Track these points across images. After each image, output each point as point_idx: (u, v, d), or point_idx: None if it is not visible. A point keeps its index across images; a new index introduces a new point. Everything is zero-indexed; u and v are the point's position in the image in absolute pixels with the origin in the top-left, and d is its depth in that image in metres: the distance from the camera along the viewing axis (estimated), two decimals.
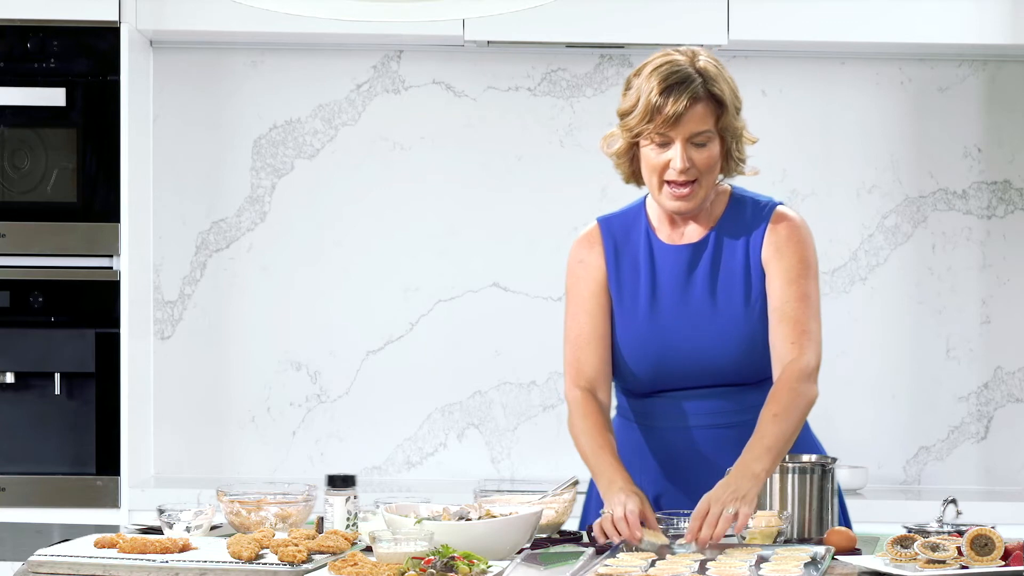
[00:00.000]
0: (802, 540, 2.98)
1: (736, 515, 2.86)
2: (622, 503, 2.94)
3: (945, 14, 4.49)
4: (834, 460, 3.09)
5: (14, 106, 4.36)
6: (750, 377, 3.16)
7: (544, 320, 4.73)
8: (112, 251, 4.38)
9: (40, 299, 4.37)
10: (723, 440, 3.15)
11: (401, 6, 3.00)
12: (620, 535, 2.90)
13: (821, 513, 3.03)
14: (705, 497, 2.90)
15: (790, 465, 3.04)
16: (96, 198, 4.38)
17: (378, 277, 4.77)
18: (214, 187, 4.77)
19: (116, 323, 4.38)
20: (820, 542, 2.92)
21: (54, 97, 4.36)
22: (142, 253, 4.60)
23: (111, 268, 4.39)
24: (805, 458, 3.10)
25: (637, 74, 3.13)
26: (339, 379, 4.78)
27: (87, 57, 4.37)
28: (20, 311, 4.38)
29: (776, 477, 3.03)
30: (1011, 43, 4.50)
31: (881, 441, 4.77)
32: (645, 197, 3.27)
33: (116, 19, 4.37)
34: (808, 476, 3.03)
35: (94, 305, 4.39)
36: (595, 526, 2.96)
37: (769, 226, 3.16)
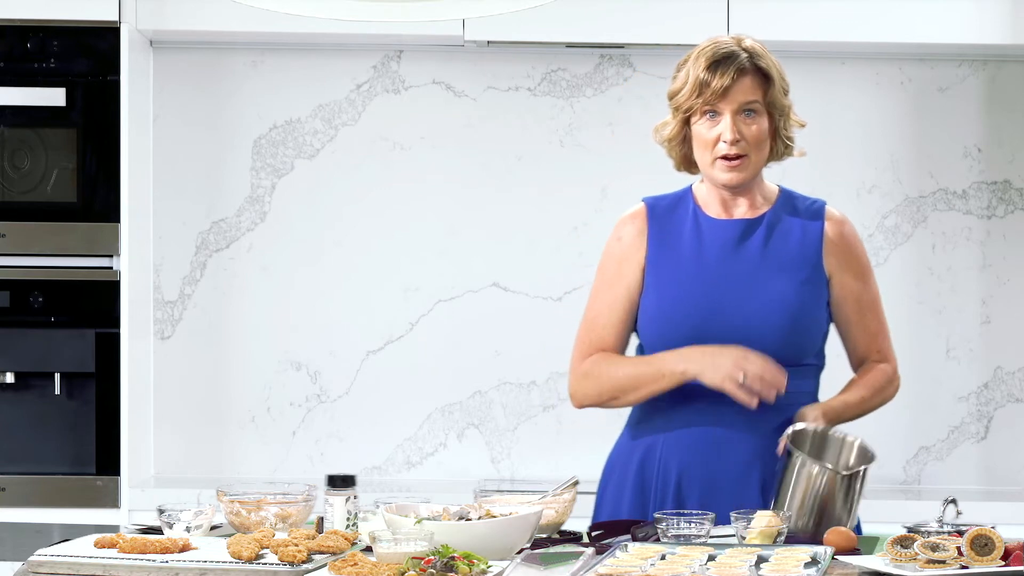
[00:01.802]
0: (805, 541, 2.98)
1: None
2: (741, 353, 3.12)
3: (945, 14, 4.49)
4: (872, 458, 3.08)
5: (14, 106, 4.37)
6: (790, 358, 3.17)
7: (544, 320, 4.73)
8: (112, 251, 4.38)
9: (40, 299, 4.37)
10: (751, 422, 3.16)
11: (401, 6, 3.00)
12: (762, 378, 3.10)
13: (841, 520, 3.03)
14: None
15: (829, 467, 3.03)
16: (96, 198, 4.38)
17: (378, 277, 4.77)
18: (214, 187, 4.77)
19: (116, 323, 4.38)
20: (820, 542, 2.91)
21: (54, 97, 4.36)
22: (142, 253, 4.60)
23: (111, 268, 4.39)
24: (843, 457, 3.10)
25: (685, 61, 3.24)
26: (339, 379, 4.78)
27: (87, 57, 4.37)
28: (20, 311, 4.38)
29: (798, 471, 3.02)
30: (1011, 43, 4.50)
31: (881, 441, 4.74)
32: (691, 185, 3.32)
33: (116, 19, 4.37)
34: (839, 479, 3.02)
35: (94, 305, 4.39)
36: (736, 390, 3.11)
37: (828, 225, 3.28)
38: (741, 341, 3.15)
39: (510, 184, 4.78)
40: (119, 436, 4.37)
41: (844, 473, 3.02)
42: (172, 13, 4.48)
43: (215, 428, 4.77)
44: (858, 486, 3.04)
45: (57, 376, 4.38)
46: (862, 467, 3.05)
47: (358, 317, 4.77)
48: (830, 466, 3.04)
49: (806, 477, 3.02)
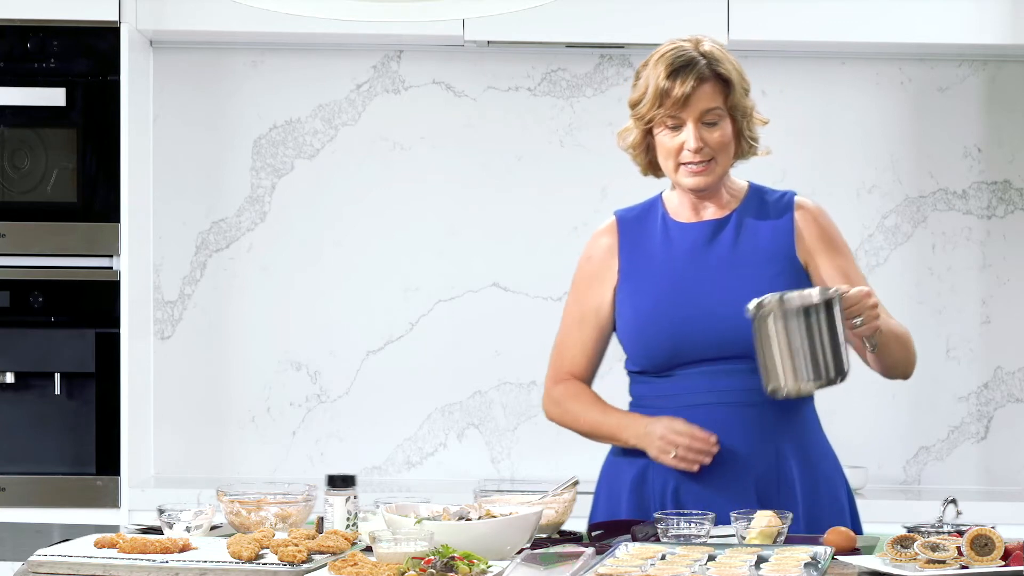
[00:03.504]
0: (822, 379, 2.97)
1: (877, 315, 3.04)
2: (667, 426, 3.13)
3: (945, 14, 4.49)
4: (836, 291, 2.99)
5: (14, 106, 4.37)
6: None
7: (544, 320, 4.72)
8: (112, 251, 4.38)
9: (40, 299, 4.37)
10: (741, 420, 3.16)
11: (401, 6, 3.00)
12: (691, 448, 3.11)
13: (836, 350, 2.97)
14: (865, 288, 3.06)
15: (791, 306, 2.95)
16: (96, 198, 4.38)
17: (378, 277, 4.77)
18: (214, 187, 4.77)
19: (116, 323, 4.38)
20: (817, 541, 2.91)
21: (54, 97, 4.36)
22: (142, 253, 4.60)
23: (111, 268, 4.39)
24: (802, 292, 2.99)
25: (645, 65, 3.22)
26: (339, 379, 4.78)
27: (87, 57, 4.37)
28: (20, 311, 4.38)
29: (774, 323, 2.96)
30: (1011, 43, 4.50)
31: (881, 441, 4.77)
32: (662, 192, 3.32)
33: (116, 19, 4.37)
34: (813, 314, 2.96)
35: (94, 305, 4.39)
36: (664, 459, 3.13)
37: (798, 215, 3.25)
38: (719, 342, 3.14)
39: (510, 184, 4.78)
40: (119, 436, 4.37)
41: (814, 301, 2.95)
42: (172, 13, 4.48)
43: (215, 428, 4.77)
44: (836, 311, 2.96)
45: (57, 376, 4.38)
46: (832, 290, 2.98)
47: (358, 317, 4.77)
48: (795, 297, 2.97)
49: (781, 321, 2.96)
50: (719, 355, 3.15)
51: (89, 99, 4.37)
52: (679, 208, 3.27)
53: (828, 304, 2.96)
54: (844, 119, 4.77)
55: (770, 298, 2.97)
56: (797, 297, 2.96)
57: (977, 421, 4.78)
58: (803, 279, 3.21)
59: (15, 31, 4.36)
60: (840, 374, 2.99)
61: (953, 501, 3.07)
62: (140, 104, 4.58)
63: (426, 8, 3.00)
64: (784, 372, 2.98)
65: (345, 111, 4.77)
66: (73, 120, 4.38)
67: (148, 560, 2.71)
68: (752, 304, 2.98)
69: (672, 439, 3.13)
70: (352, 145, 4.77)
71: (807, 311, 2.95)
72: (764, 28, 4.50)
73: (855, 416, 4.73)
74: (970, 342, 4.78)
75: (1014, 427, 4.78)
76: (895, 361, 3.23)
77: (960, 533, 2.79)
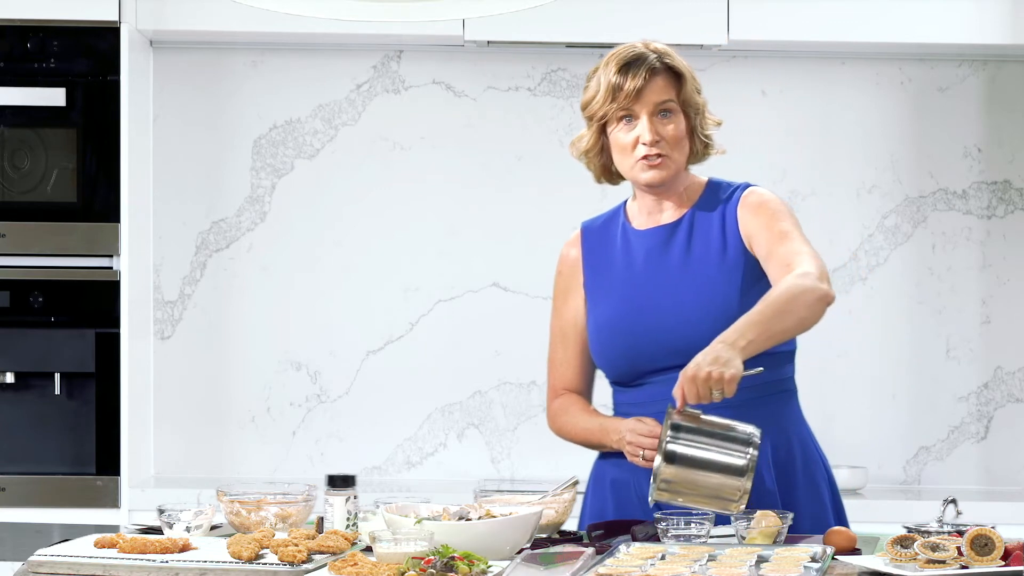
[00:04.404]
0: (743, 467, 2.88)
1: (720, 377, 2.84)
2: (630, 429, 3.11)
3: (945, 14, 4.49)
4: (668, 413, 2.92)
5: (14, 106, 4.37)
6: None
7: (544, 320, 4.70)
8: (112, 251, 4.38)
9: (40, 299, 4.37)
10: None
11: (401, 6, 3.01)
12: (645, 445, 3.08)
13: (725, 444, 2.89)
14: (686, 368, 2.88)
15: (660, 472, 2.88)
16: (96, 198, 4.38)
17: (378, 277, 4.77)
18: (214, 187, 4.77)
19: (116, 323, 4.38)
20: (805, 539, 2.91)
21: (54, 97, 4.36)
22: (142, 253, 4.60)
23: (111, 268, 4.39)
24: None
25: (595, 70, 3.24)
26: (339, 379, 4.78)
27: (87, 57, 4.38)
28: (20, 311, 4.38)
29: (679, 494, 2.90)
30: (1011, 43, 4.50)
31: (881, 441, 4.77)
32: (625, 200, 3.32)
33: (116, 19, 4.37)
34: (681, 446, 2.88)
35: (94, 305, 4.39)
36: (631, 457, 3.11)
37: (740, 202, 3.19)
38: (680, 349, 3.08)
39: (510, 184, 4.78)
40: (119, 436, 4.37)
41: (661, 458, 2.89)
42: (172, 13, 4.48)
43: (215, 428, 4.77)
44: (688, 422, 2.89)
45: (57, 376, 4.38)
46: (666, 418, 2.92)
47: (358, 317, 4.77)
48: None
49: (678, 489, 2.90)
50: (684, 362, 3.12)
51: (89, 99, 4.37)
52: (637, 214, 3.27)
53: (676, 430, 2.89)
54: (844, 119, 4.77)
55: (651, 484, 2.93)
56: (656, 460, 2.91)
57: (977, 421, 4.78)
58: (757, 267, 3.15)
59: (15, 31, 4.36)
60: (753, 447, 2.90)
61: (953, 501, 3.06)
62: (140, 104, 4.58)
63: (426, 8, 3.00)
64: (722, 499, 2.91)
65: (345, 111, 4.77)
66: (73, 120, 4.38)
67: (148, 560, 2.71)
68: (650, 502, 2.96)
69: (637, 442, 3.12)
70: (352, 145, 4.77)
71: (672, 456, 2.88)
72: (764, 28, 4.50)
73: (855, 416, 4.73)
74: (970, 342, 4.78)
75: (1014, 427, 4.78)
76: (798, 327, 3.02)
77: (960, 533, 2.79)
